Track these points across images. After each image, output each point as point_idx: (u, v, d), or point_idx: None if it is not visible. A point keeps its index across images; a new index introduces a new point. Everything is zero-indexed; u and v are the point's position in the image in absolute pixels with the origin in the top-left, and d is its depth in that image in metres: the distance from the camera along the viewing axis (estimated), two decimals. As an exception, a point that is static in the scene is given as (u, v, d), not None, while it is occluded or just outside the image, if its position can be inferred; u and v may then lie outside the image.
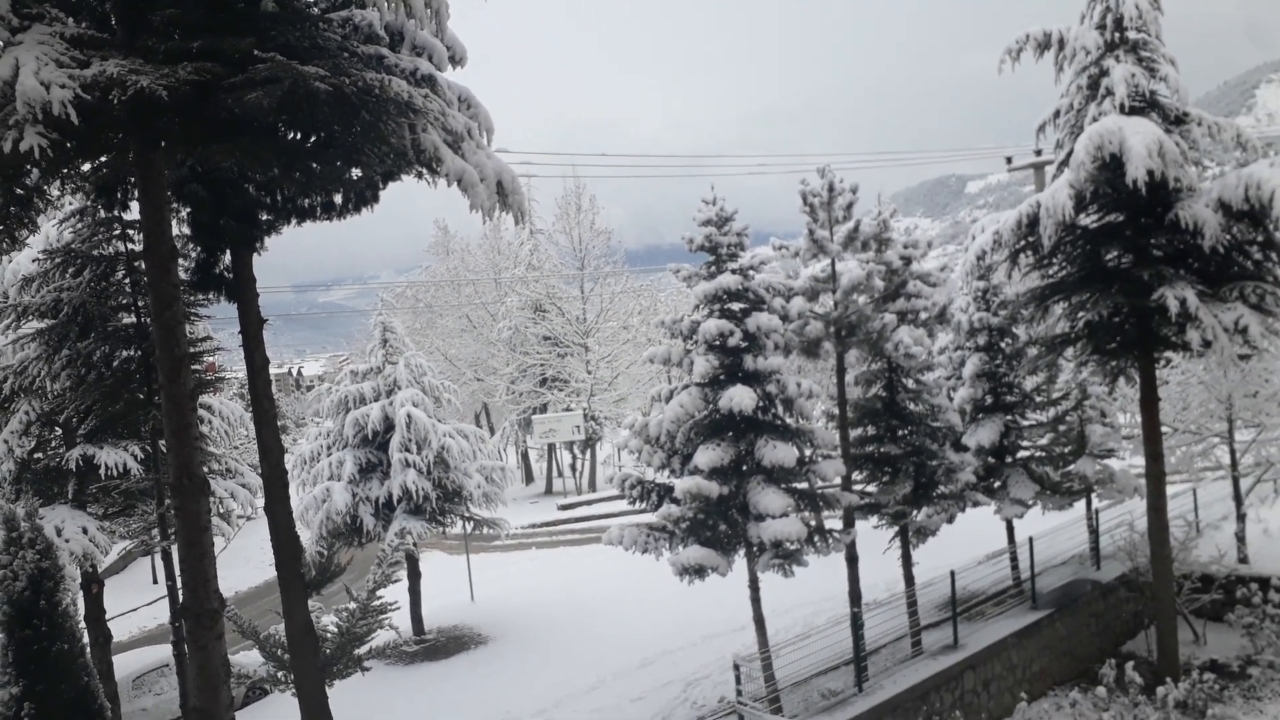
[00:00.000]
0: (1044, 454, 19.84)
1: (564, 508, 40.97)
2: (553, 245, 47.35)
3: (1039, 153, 23.79)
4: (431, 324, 51.52)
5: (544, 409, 45.13)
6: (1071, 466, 19.67)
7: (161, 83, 7.13)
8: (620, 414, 43.23)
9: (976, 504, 17.74)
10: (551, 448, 47.38)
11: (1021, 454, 19.71)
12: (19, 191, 9.08)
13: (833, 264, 15.53)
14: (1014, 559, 20.06)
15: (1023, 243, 15.70)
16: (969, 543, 21.74)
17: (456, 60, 9.59)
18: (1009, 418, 19.26)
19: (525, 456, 52.86)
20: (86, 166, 9.82)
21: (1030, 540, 19.60)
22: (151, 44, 7.80)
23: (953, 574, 17.60)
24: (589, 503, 41.38)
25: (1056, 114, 15.65)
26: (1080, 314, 16.13)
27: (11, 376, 16.15)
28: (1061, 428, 19.93)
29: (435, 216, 55.22)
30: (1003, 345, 19.18)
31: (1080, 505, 21.39)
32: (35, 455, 17.11)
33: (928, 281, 16.54)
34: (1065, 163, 15.22)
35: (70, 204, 14.64)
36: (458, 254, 53.13)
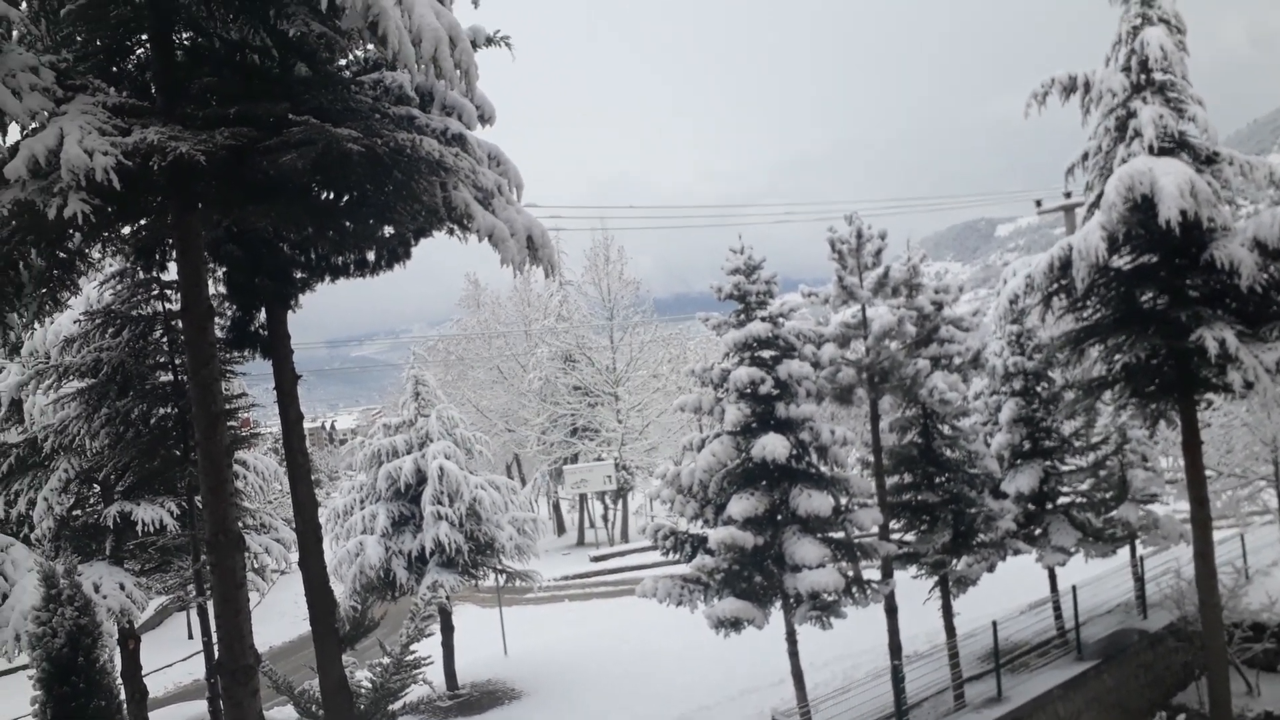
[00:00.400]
0: (1085, 500, 19.46)
1: (596, 559, 40.68)
2: (582, 296, 47.67)
3: (1068, 195, 23.67)
4: (463, 376, 51.83)
5: (575, 459, 45.07)
6: (1114, 512, 19.25)
7: (200, 148, 7.31)
8: (652, 463, 43.06)
9: (1017, 552, 17.40)
10: (583, 498, 47.22)
11: (1062, 500, 19.35)
12: (62, 255, 9.31)
13: (863, 310, 15.48)
14: (1057, 608, 19.61)
15: (1055, 286, 15.54)
16: (1010, 592, 21.29)
17: (486, 119, 9.76)
18: (1048, 463, 18.95)
19: (557, 507, 52.70)
20: (126, 229, 10.04)
21: (1074, 589, 19.17)
22: (190, 111, 8.02)
23: (995, 624, 17.22)
24: (622, 554, 41.06)
25: (1085, 156, 15.58)
26: (1117, 356, 15.89)
27: (52, 435, 16.41)
28: (1102, 473, 19.57)
29: (466, 270, 55.79)
30: (1039, 389, 18.95)
31: (1124, 552, 20.90)
32: (74, 512, 17.32)
33: (960, 326, 16.41)
34: (1096, 204, 15.11)
35: (110, 266, 14.96)
36: (488, 307, 53.60)
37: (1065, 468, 19.41)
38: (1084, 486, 19.64)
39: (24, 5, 7.75)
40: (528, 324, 49.44)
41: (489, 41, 9.32)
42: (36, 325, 10.01)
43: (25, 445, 17.03)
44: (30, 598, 13.57)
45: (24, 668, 24.51)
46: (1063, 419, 18.89)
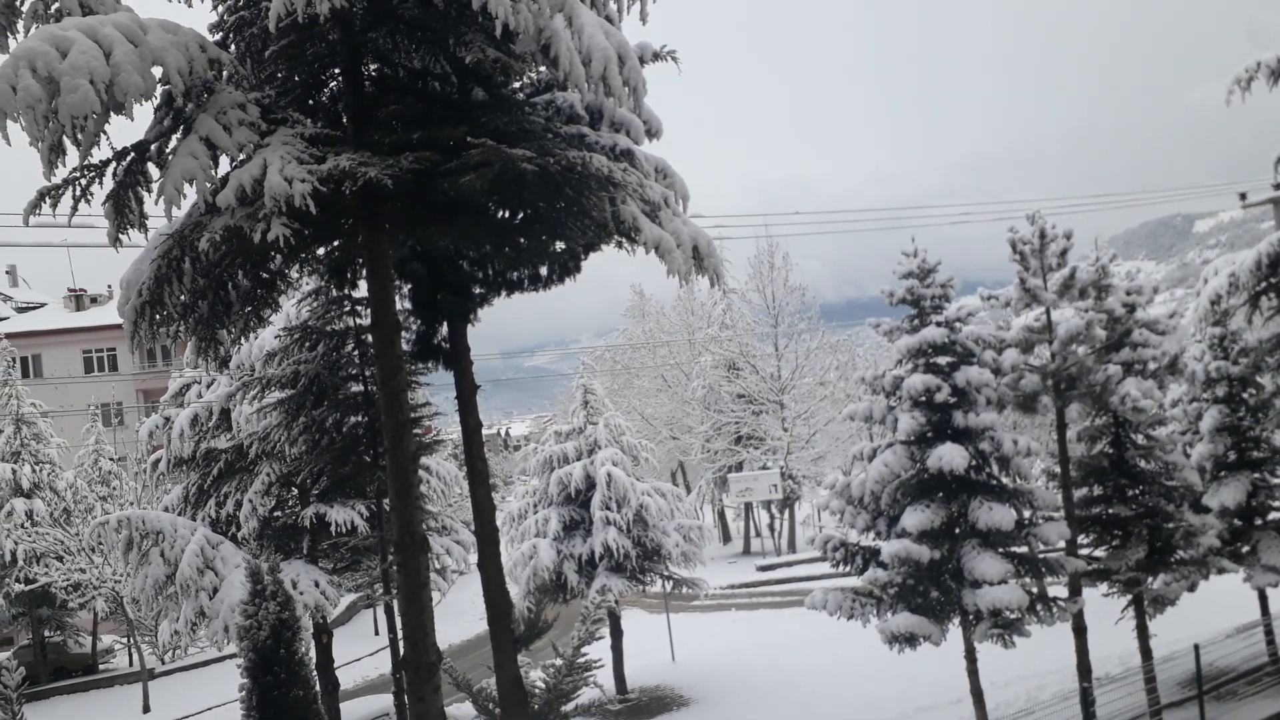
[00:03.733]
0: (1302, 515, 17.82)
1: (763, 569, 40.32)
2: (745, 304, 47.41)
3: (1278, 186, 21.73)
4: (629, 384, 52.57)
5: (739, 467, 44.85)
6: (1335, 530, 17.55)
7: (387, 173, 7.74)
8: (819, 473, 42.30)
9: (1222, 570, 16.14)
10: (748, 507, 46.92)
11: (1274, 515, 17.81)
12: (264, 275, 10.07)
13: (1047, 313, 14.70)
14: (1269, 632, 18.04)
15: (1265, 284, 14.38)
16: (1214, 614, 19.72)
17: (653, 133, 9.88)
18: (1257, 475, 17.49)
19: (722, 515, 52.59)
20: (321, 250, 10.75)
21: (1289, 612, 17.57)
22: (377, 138, 8.51)
23: (1196, 647, 15.99)
24: (789, 564, 40.53)
25: (1298, 142, 14.32)
26: (1338, 359, 14.52)
27: (256, 442, 17.75)
28: (1321, 486, 17.87)
29: (632, 282, 56.65)
30: (1245, 396, 17.56)
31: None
32: (275, 513, 18.68)
33: (1155, 329, 15.36)
34: (1311, 194, 13.85)
35: (307, 285, 16.04)
36: (653, 316, 54.18)
37: (1277, 481, 17.87)
38: (1300, 501, 18.00)
39: (233, 48, 8.44)
40: (691, 332, 49.63)
41: (656, 57, 9.43)
42: (243, 340, 10.81)
43: (233, 451, 18.51)
44: (238, 592, 14.72)
45: (231, 656, 26.52)
46: (1274, 428, 17.41)
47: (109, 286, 54.59)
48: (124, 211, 8.13)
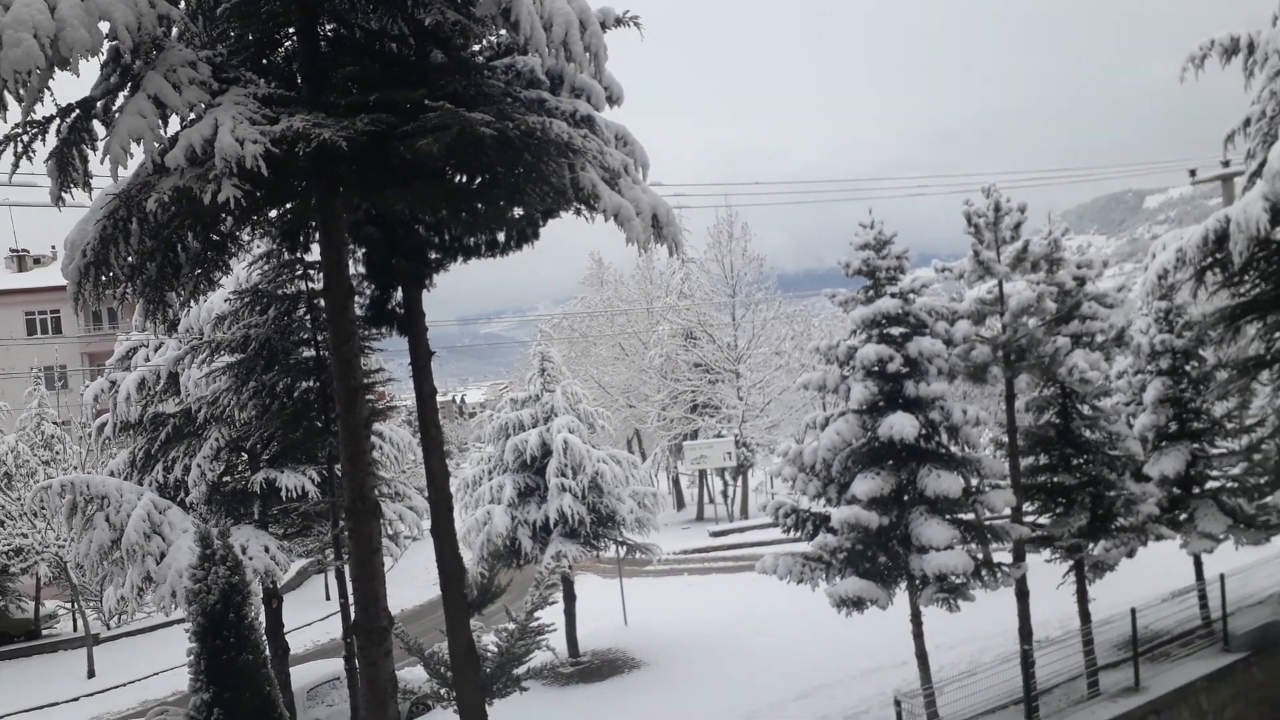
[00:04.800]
0: (1236, 485, 18.41)
1: (716, 534, 40.78)
2: (704, 273, 47.48)
3: (1226, 164, 22.20)
4: (586, 353, 52.52)
5: (695, 435, 45.17)
6: (1268, 499, 18.15)
7: (342, 134, 7.60)
8: (772, 441, 42.75)
9: (1160, 538, 16.64)
10: (703, 474, 47.33)
11: (1211, 485, 18.39)
12: (215, 238, 9.87)
13: (1000, 286, 14.94)
14: (1203, 597, 18.66)
15: (1210, 259, 14.68)
16: (1151, 579, 20.35)
17: (614, 100, 9.81)
18: (1196, 446, 18.02)
19: (676, 483, 52.99)
20: (273, 213, 10.56)
21: (1221, 577, 18.18)
22: (332, 99, 8.36)
23: (1133, 611, 16.52)
24: (741, 530, 41.03)
25: (1247, 122, 14.62)
26: (1277, 334, 14.96)
27: (205, 406, 17.48)
28: (1256, 457, 18.44)
29: (591, 250, 56.41)
30: (1188, 369, 18.03)
31: (1279, 540, 19.68)
32: (224, 479, 18.45)
33: (1104, 303, 15.68)
34: (1258, 173, 14.15)
35: (258, 248, 15.74)
36: (611, 285, 54.06)
37: (1215, 451, 18.45)
38: (1236, 471, 18.60)
39: (183, 4, 8.19)
40: (650, 301, 49.64)
41: (618, 22, 9.33)
42: (192, 303, 10.62)
43: (181, 416, 18.22)
44: (186, 557, 14.56)
45: (179, 621, 26.24)
46: (1214, 400, 17.92)
47: (53, 247, 53.12)
48: (67, 170, 7.89)
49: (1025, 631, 15.47)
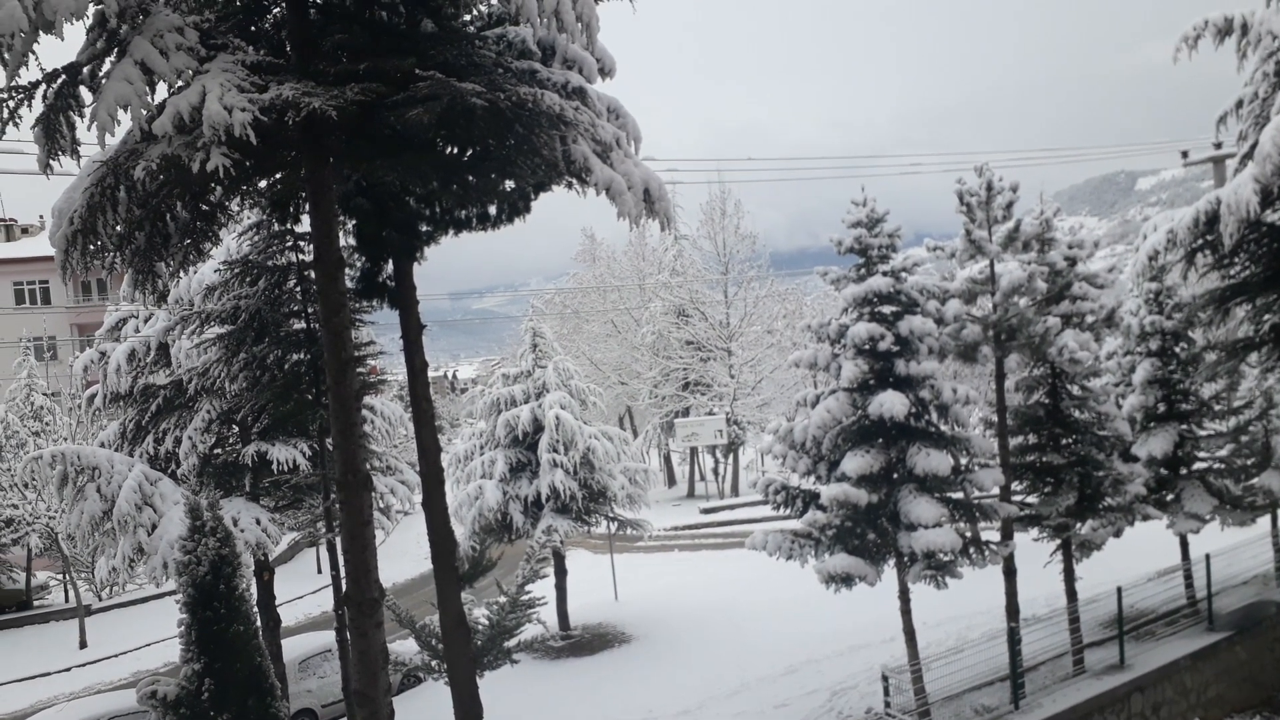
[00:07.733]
0: (1223, 466, 18.51)
1: (706, 511, 40.95)
2: (697, 250, 47.41)
3: (1218, 146, 22.19)
4: (578, 329, 52.49)
5: (686, 413, 45.26)
6: (1255, 480, 18.28)
7: (331, 103, 7.54)
8: (763, 419, 42.89)
9: (1147, 518, 16.72)
10: (694, 451, 47.46)
11: (1198, 465, 18.47)
12: (204, 207, 9.81)
13: (991, 265, 14.93)
14: (1188, 577, 18.81)
15: (1200, 241, 14.71)
16: (1138, 559, 20.53)
17: (606, 72, 9.74)
18: (1184, 427, 18.08)
19: (668, 459, 53.15)
20: (263, 183, 10.48)
21: (1207, 557, 18.34)
22: (322, 68, 8.27)
23: (1119, 590, 16.66)
24: (731, 507, 41.21)
25: (1239, 104, 14.60)
26: (1266, 317, 15.02)
27: (195, 378, 17.42)
28: (1244, 438, 18.54)
29: (583, 225, 56.22)
30: (1177, 350, 18.06)
31: (1264, 522, 19.85)
32: (215, 451, 18.40)
33: (1094, 283, 15.68)
34: (1249, 155, 14.16)
35: (248, 218, 15.64)
36: (604, 261, 53.96)
37: (1203, 432, 18.50)
38: (1223, 452, 18.68)
39: (170, -33, 8.08)
40: (642, 278, 49.58)
41: (610, -7, 9.26)
42: (182, 274, 10.55)
43: (172, 387, 18.16)
44: (177, 528, 14.58)
45: (171, 593, 26.35)
46: (1202, 381, 17.97)
47: (41, 217, 52.75)
48: (54, 136, 7.81)
49: (1012, 609, 15.58)
